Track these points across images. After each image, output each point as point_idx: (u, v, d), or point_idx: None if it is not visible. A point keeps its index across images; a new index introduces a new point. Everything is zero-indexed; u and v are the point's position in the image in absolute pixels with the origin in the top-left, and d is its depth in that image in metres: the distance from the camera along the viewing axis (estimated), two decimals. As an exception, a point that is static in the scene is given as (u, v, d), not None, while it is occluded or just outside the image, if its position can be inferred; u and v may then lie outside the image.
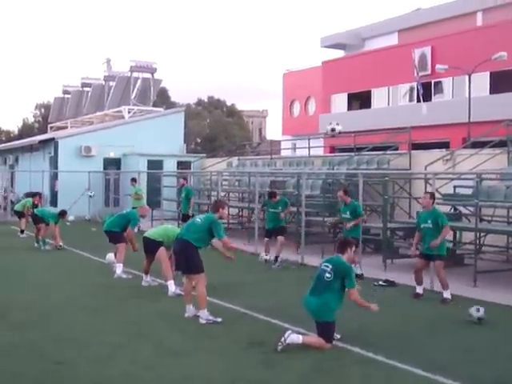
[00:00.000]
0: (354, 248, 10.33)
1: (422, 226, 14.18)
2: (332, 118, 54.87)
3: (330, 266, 9.80)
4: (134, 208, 26.09)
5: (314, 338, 9.63)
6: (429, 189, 18.25)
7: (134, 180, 30.10)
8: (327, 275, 9.74)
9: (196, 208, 25.86)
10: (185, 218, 23.61)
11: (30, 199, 25.83)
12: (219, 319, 11.19)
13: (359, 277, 16.56)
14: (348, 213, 16.74)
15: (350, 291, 9.70)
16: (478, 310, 11.51)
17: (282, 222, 19.29)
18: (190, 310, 11.63)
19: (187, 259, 11.31)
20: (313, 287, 9.92)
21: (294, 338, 9.47)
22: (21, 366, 8.65)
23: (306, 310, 9.90)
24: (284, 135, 62.62)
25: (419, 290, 14.22)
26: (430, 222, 13.98)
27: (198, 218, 11.73)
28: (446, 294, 13.77)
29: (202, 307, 11.26)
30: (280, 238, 18.89)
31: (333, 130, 15.35)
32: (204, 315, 11.19)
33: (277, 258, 18.81)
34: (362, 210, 17.19)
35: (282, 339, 9.36)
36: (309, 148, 30.89)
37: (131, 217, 16.45)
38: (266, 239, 19.43)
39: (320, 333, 9.63)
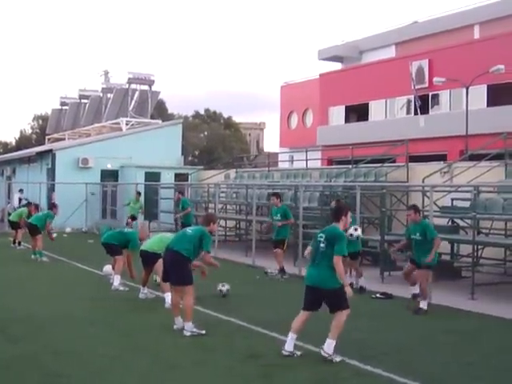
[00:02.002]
0: (349, 213, 10.10)
1: (411, 236, 14.24)
2: (329, 131, 55.31)
3: (324, 236, 9.78)
4: (131, 217, 26.21)
5: (335, 325, 9.62)
6: (426, 201, 18.29)
7: (138, 194, 30.71)
8: (321, 245, 9.71)
9: (193, 220, 25.84)
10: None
11: (26, 209, 25.81)
12: (203, 331, 11.19)
13: (362, 290, 16.53)
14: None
15: (335, 257, 9.48)
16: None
17: (281, 233, 18.92)
18: (178, 321, 11.60)
19: (177, 270, 11.23)
20: (312, 259, 9.93)
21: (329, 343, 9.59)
22: (18, 379, 8.61)
23: (309, 283, 9.80)
24: (281, 147, 62.61)
25: (415, 290, 14.29)
26: (418, 234, 14.08)
27: (189, 230, 11.77)
28: (423, 305, 13.81)
29: (187, 319, 11.24)
30: (275, 251, 18.92)
31: (351, 235, 15.47)
32: (189, 327, 11.18)
33: (282, 269, 18.88)
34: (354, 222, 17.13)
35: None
36: (306, 160, 30.90)
37: (131, 237, 16.31)
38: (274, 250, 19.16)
39: (332, 303, 9.60)
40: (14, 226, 26.43)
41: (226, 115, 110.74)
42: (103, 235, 17.26)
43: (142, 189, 33.12)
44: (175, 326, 11.59)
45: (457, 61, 44.13)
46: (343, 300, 9.56)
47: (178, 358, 9.76)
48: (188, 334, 11.12)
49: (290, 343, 9.81)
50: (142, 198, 31.22)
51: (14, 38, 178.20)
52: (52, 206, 23.88)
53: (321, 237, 9.81)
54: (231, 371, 9.09)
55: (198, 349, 10.35)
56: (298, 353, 9.78)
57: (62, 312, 13.38)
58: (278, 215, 18.90)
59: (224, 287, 15.32)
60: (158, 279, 12.61)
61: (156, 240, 14.75)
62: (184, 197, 27.67)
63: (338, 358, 9.49)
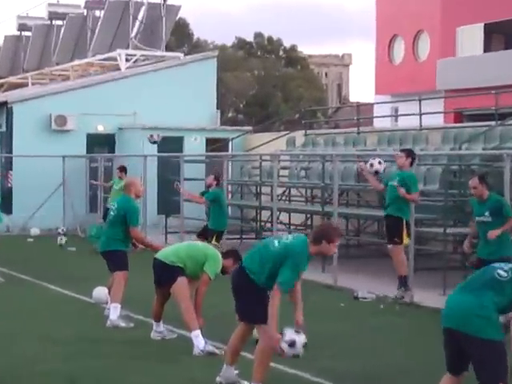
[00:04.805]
0: None
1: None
2: (458, 66, 54.84)
3: (510, 266, 9.68)
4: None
5: None
6: None
7: (122, 169, 30.14)
8: (501, 273, 9.44)
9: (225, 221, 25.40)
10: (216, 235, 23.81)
11: None
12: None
13: None
14: (488, 213, 16.64)
15: None
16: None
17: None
18: (228, 372, 11.61)
19: (244, 300, 11.19)
20: (466, 283, 9.69)
21: None
22: None
23: (448, 315, 9.50)
24: (378, 95, 62.42)
25: None
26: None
27: (277, 241, 11.25)
28: None
29: (257, 379, 11.07)
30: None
31: (371, 165, 16.49)
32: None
33: (402, 278, 19.12)
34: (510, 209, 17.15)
35: None
36: (420, 115, 30.67)
37: (126, 211, 16.39)
38: None
39: (479, 360, 9.18)
40: None
41: (287, 44, 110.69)
42: (99, 238, 17.36)
43: (153, 163, 33.12)
44: (218, 379, 11.62)
45: None
46: (497, 366, 9.17)
47: None
48: None
49: None
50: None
51: None
52: None
53: (502, 266, 9.65)
54: None
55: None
56: None
57: (28, 361, 13.49)
58: (396, 179, 19.05)
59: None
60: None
61: (178, 250, 14.84)
62: (218, 186, 26.86)
63: None
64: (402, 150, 19.95)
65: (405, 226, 18.82)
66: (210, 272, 13.84)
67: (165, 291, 14.58)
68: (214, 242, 23.23)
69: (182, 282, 14.18)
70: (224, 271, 14.01)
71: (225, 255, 14.46)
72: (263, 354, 11.04)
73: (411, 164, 19.40)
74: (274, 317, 10.65)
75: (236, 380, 11.61)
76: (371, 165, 19.77)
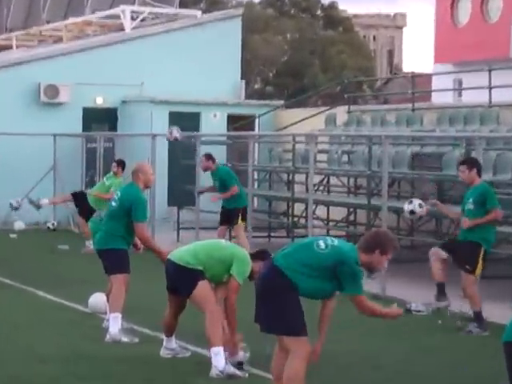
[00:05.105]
0: None
1: None
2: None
3: None
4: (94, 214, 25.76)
5: None
6: None
7: (120, 164, 29.10)
8: None
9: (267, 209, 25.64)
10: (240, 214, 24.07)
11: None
12: None
13: None
14: None
15: None
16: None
17: (473, 233, 18.39)
18: None
19: (274, 303, 10.99)
20: None
21: None
22: None
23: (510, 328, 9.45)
24: (438, 63, 62.30)
25: None
26: None
27: (323, 241, 11.09)
28: None
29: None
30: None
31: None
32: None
33: (476, 314, 18.60)
34: None
35: None
36: (489, 89, 30.63)
37: (132, 203, 16.13)
38: None
39: None
40: None
41: (326, 0, 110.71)
42: (94, 235, 17.34)
43: (163, 145, 33.17)
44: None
45: None
46: None
47: None
48: None
49: None
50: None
51: None
52: None
53: None
54: None
55: None
56: None
57: (7, 383, 13.54)
58: (470, 200, 18.69)
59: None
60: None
61: (196, 249, 14.62)
62: (221, 165, 27.06)
63: None
64: (462, 163, 19.27)
65: (482, 256, 18.45)
66: (237, 275, 13.61)
67: (180, 300, 14.42)
68: (240, 221, 23.74)
69: (203, 286, 13.86)
70: (251, 276, 13.72)
71: (254, 256, 14.19)
72: (296, 377, 10.87)
73: (479, 174, 18.87)
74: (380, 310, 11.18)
75: None
76: (411, 211, 19.60)
